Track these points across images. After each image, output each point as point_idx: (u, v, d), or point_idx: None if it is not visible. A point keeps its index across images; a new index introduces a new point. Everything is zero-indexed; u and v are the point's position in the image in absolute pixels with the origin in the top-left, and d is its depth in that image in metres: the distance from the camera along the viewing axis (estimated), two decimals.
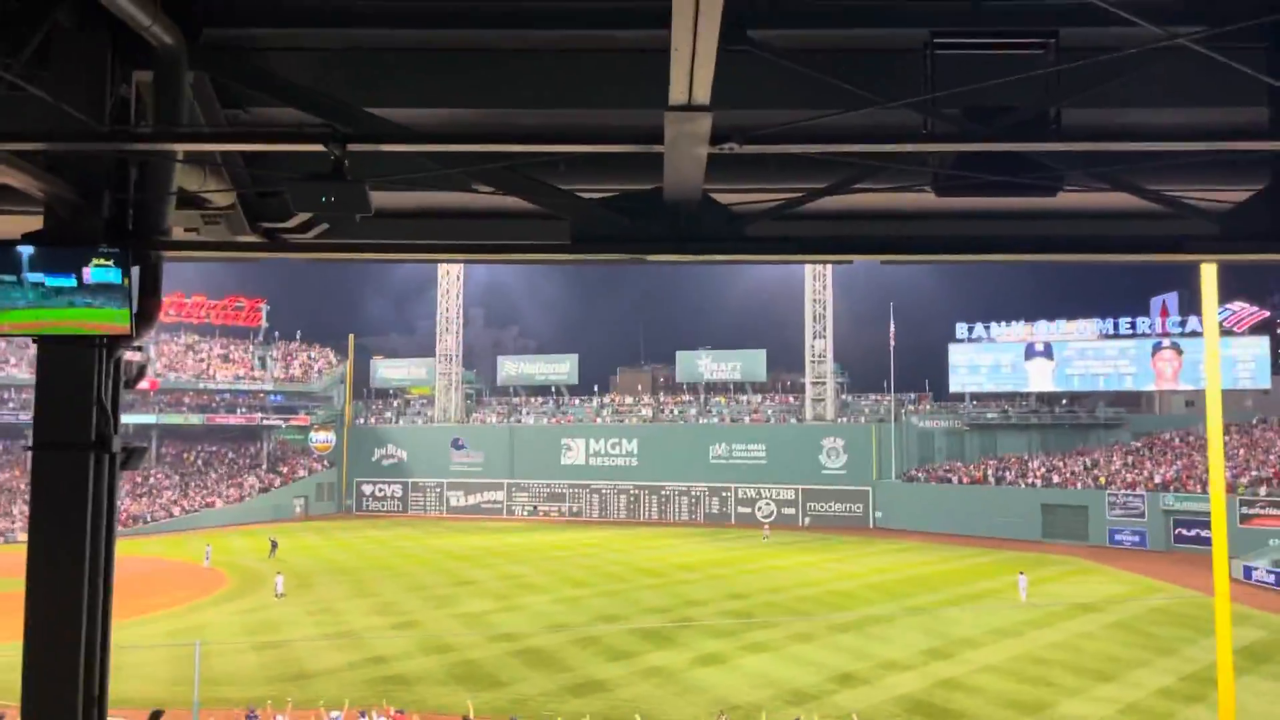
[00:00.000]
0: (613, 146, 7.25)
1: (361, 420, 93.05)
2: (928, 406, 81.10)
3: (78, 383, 7.10)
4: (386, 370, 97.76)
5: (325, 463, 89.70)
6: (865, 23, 7.34)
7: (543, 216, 8.72)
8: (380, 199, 8.38)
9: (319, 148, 6.44)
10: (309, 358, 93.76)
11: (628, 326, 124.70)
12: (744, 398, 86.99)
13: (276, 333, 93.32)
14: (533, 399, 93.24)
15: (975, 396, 76.84)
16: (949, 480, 73.17)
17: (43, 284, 6.85)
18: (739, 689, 28.30)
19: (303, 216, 8.72)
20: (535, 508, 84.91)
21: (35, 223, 7.42)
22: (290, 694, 26.47)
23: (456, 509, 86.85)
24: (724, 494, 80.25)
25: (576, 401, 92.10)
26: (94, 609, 6.93)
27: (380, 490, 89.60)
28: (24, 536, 64.79)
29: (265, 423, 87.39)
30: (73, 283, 6.83)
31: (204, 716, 23.42)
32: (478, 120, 8.09)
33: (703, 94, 5.66)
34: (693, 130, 6.11)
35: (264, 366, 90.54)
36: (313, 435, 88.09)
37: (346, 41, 7.94)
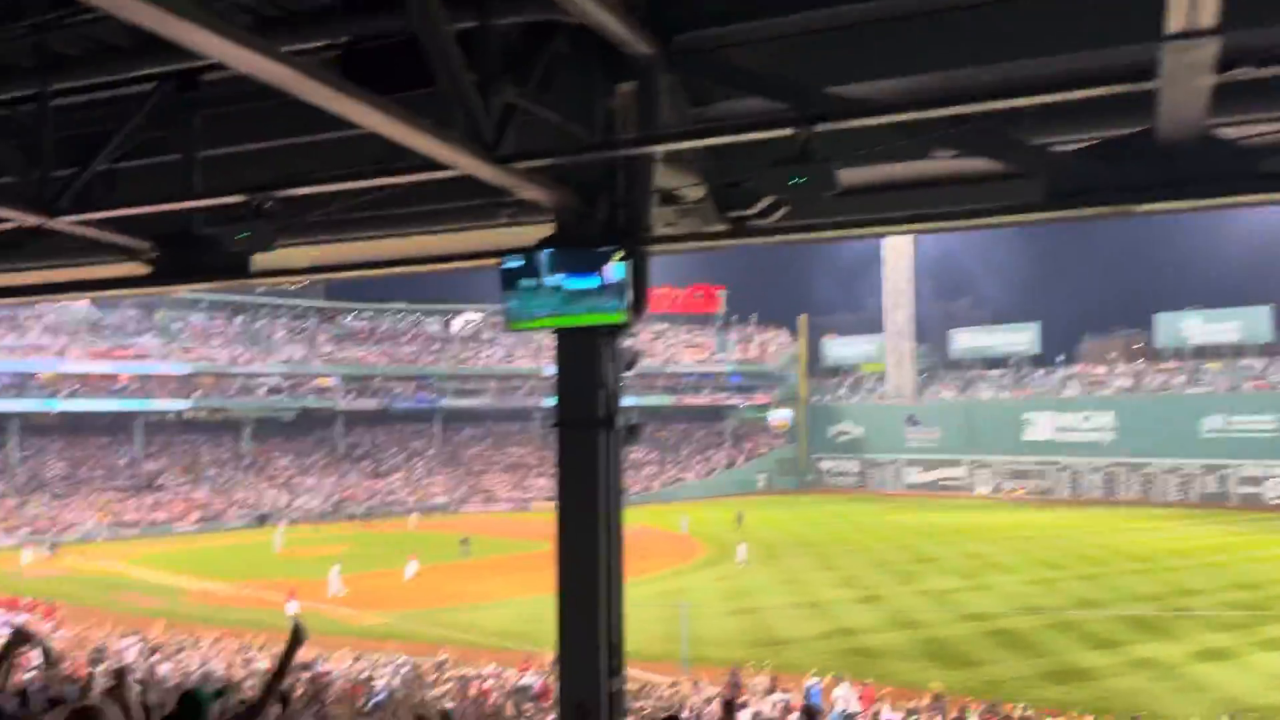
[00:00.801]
0: (1091, 91, 6.62)
1: (817, 398, 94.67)
2: None
3: (589, 368, 7.98)
4: (837, 348, 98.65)
5: (784, 439, 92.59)
6: None
7: (1008, 176, 8.25)
8: (840, 176, 8.43)
9: (786, 132, 6.62)
10: (764, 339, 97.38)
11: (1093, 290, 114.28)
12: (1244, 362, 75.82)
13: (734, 317, 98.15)
14: (990, 372, 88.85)
15: None
16: None
17: (560, 287, 7.80)
18: (1253, 689, 24.78)
19: (765, 202, 9.02)
20: (999, 485, 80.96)
21: (547, 231, 8.45)
22: (766, 658, 27.72)
23: (914, 485, 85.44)
24: (1222, 472, 70.65)
25: (1040, 373, 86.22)
26: (610, 567, 7.76)
27: (838, 466, 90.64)
28: (537, 506, 74.28)
29: (728, 402, 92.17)
30: (588, 282, 7.70)
31: (692, 670, 25.25)
32: (937, 84, 7.82)
33: (1209, 17, 4.97)
34: (1195, 59, 5.40)
35: (724, 349, 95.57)
36: (771, 413, 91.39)
37: (802, 26, 8.06)
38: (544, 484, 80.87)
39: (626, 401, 8.37)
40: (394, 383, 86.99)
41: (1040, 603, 35.90)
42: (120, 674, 5.72)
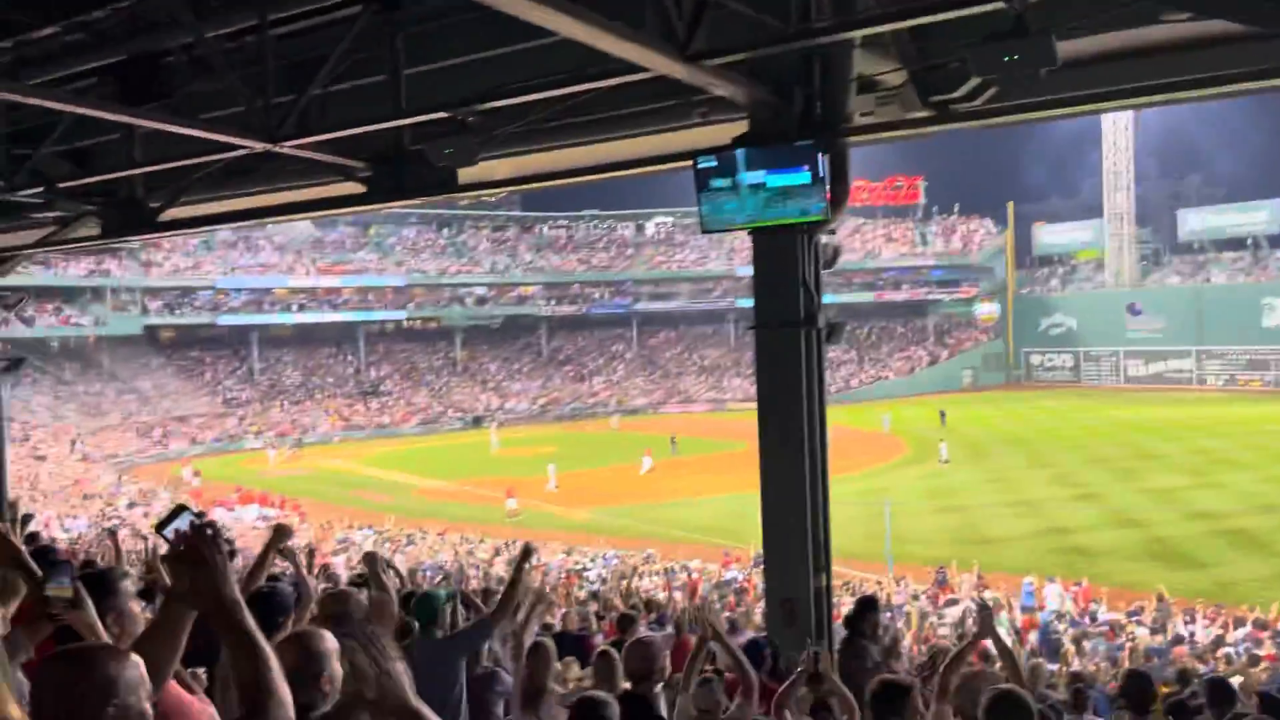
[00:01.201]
0: None
1: (1026, 289, 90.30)
2: None
3: (787, 268, 7.87)
4: (1048, 236, 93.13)
5: (991, 334, 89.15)
6: None
7: (1249, 38, 7.36)
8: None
9: (998, 4, 6.15)
10: (968, 230, 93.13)
11: None
12: None
13: (935, 208, 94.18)
14: (1223, 255, 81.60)
15: None
16: None
17: (755, 185, 7.66)
18: None
19: (971, 84, 8.46)
20: (1232, 377, 75.01)
21: (740, 128, 8.27)
22: (975, 556, 27.27)
23: (1135, 379, 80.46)
24: None
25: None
26: (814, 466, 7.75)
27: (1049, 360, 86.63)
28: (733, 406, 74.86)
29: (929, 297, 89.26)
30: (784, 180, 7.54)
31: (896, 568, 25.20)
32: None
33: None
34: None
35: (924, 243, 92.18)
36: (977, 307, 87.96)
37: None
38: (739, 385, 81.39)
39: (826, 300, 8.22)
40: (592, 288, 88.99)
41: (1279, 501, 33.39)
42: (371, 558, 6.23)
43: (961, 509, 34.71)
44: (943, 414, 58.76)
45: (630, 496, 39.41)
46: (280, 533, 5.77)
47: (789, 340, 7.84)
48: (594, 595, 16.57)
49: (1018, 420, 60.50)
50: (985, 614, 5.36)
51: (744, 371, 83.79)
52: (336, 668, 2.98)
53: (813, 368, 7.84)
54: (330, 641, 3.03)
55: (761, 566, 24.39)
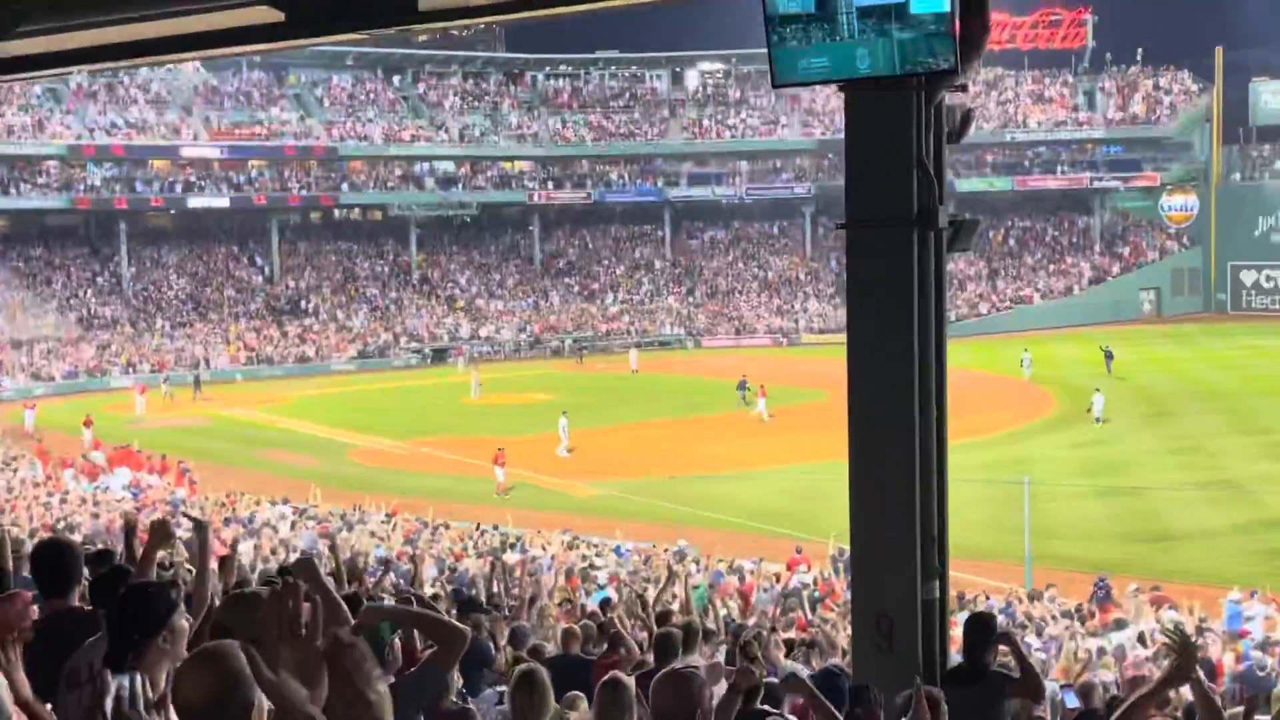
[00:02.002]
0: None
1: (1237, 176, 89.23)
2: None
3: (896, 140, 7.80)
4: (1273, 98, 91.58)
5: (1184, 240, 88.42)
6: None
7: None
8: None
9: None
10: (1155, 87, 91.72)
11: None
12: None
13: (1108, 55, 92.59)
14: None
15: None
16: None
17: (853, 15, 7.54)
18: None
19: None
20: None
21: None
22: (1150, 559, 27.32)
23: None
24: None
25: None
26: (926, 425, 7.76)
27: (1269, 279, 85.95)
28: (809, 339, 75.09)
29: (1096, 185, 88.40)
30: (896, 8, 7.41)
31: (1042, 575, 25.34)
32: None
33: None
34: None
35: (1091, 106, 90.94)
36: (1164, 201, 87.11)
37: None
38: (818, 310, 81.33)
39: (951, 187, 8.20)
40: (607, 166, 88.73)
41: None
42: (308, 567, 6.26)
43: (1133, 490, 34.83)
44: (1108, 353, 58.55)
45: (655, 466, 39.74)
46: (158, 535, 5.96)
47: (896, 245, 7.80)
48: (605, 604, 16.77)
49: (1217, 365, 60.32)
50: (1188, 652, 5.43)
51: (825, 290, 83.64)
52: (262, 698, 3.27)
53: (928, 285, 7.81)
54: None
55: (847, 568, 24.66)
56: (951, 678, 7.58)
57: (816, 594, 21.38)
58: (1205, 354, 65.35)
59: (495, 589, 15.44)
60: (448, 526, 30.16)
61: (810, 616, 17.39)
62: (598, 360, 71.84)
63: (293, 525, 28.22)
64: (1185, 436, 42.97)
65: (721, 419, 48.93)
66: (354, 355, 72.90)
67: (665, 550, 26.52)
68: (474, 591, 15.77)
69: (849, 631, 15.59)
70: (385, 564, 18.65)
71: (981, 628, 7.55)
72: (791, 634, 14.75)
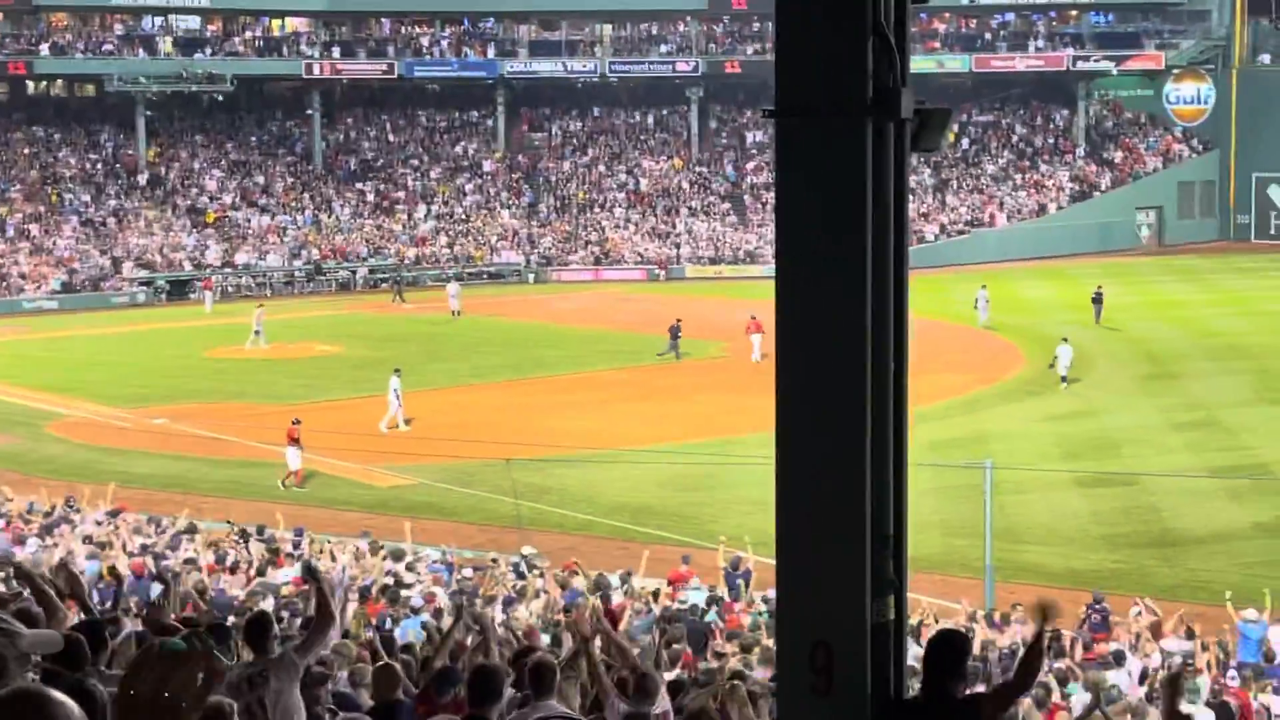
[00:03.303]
0: None
1: (1266, 58, 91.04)
2: None
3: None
4: None
5: (1196, 144, 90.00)
6: None
7: None
8: None
9: None
10: None
11: None
12: None
13: None
14: None
15: None
16: None
17: None
18: None
19: None
20: None
21: None
22: (1153, 569, 27.97)
23: None
24: None
25: None
26: (881, 384, 7.84)
27: None
28: (700, 271, 75.30)
29: (1081, 66, 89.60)
30: None
31: (1005, 593, 25.80)
32: None
33: None
34: None
35: None
36: (1170, 90, 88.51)
37: None
38: (708, 231, 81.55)
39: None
40: (415, 27, 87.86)
41: None
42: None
43: (1126, 479, 35.33)
44: (1098, 295, 59.24)
45: (486, 445, 39.57)
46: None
47: (844, 142, 7.81)
48: (431, 631, 16.81)
49: (1238, 310, 61.61)
50: (1172, 686, 5.64)
51: (717, 205, 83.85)
52: None
53: (885, 197, 7.78)
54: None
55: (744, 583, 24.74)
56: (903, 712, 7.74)
57: (714, 618, 21.59)
58: (1221, 295, 66.70)
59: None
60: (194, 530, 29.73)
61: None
62: (407, 297, 71.11)
63: None
64: (1195, 406, 43.80)
65: (576, 380, 48.98)
66: (56, 289, 71.35)
67: (496, 561, 26.54)
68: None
69: (760, 670, 15.82)
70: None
71: (949, 650, 7.69)
72: (676, 673, 14.89)
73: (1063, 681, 17.60)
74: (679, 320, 52.55)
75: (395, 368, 43.60)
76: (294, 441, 36.64)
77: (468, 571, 25.96)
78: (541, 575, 25.21)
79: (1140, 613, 22.94)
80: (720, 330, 55.51)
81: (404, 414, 42.11)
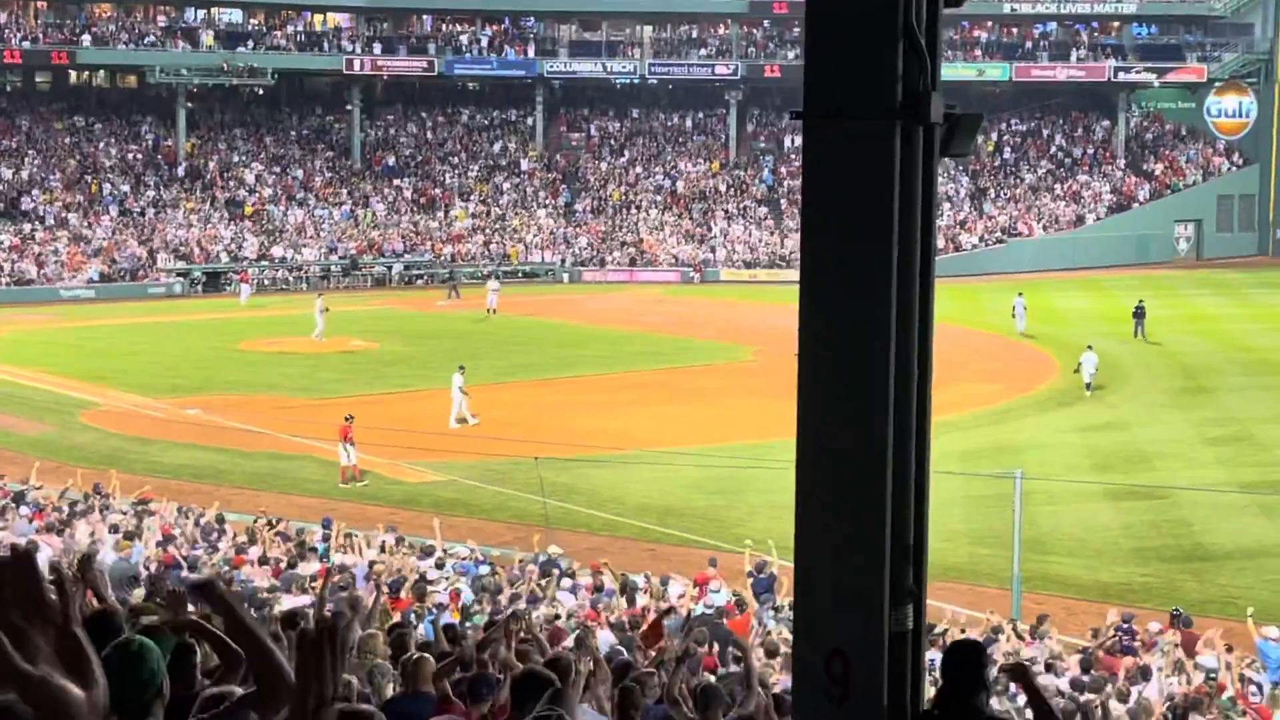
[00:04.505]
0: None
1: None
2: None
3: (872, 6, 7.77)
4: None
5: (1236, 157, 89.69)
6: None
7: None
8: None
9: None
10: None
11: None
12: None
13: None
14: None
15: None
16: None
17: None
18: None
19: None
20: None
21: None
22: (1182, 584, 27.81)
23: None
24: None
25: None
26: (905, 390, 7.77)
27: None
28: (733, 275, 75.05)
29: (1122, 78, 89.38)
30: None
31: (1033, 603, 25.72)
32: None
33: None
34: None
35: None
36: (1211, 103, 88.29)
37: None
38: (744, 235, 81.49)
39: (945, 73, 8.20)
40: (456, 25, 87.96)
41: None
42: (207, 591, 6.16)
43: (1158, 492, 35.26)
44: (1140, 309, 59.07)
45: (515, 444, 39.58)
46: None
47: (872, 145, 7.77)
48: (453, 633, 16.77)
49: (1273, 325, 61.42)
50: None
51: (754, 209, 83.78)
52: None
53: (913, 202, 7.75)
54: None
55: (768, 590, 24.70)
56: None
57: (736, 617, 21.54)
58: (1257, 310, 66.62)
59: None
60: (222, 521, 29.76)
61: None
62: (439, 295, 71.32)
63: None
64: (1228, 420, 43.75)
65: (607, 381, 48.97)
66: (93, 278, 71.61)
67: (524, 560, 26.50)
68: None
69: (780, 678, 15.78)
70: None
71: (967, 659, 7.63)
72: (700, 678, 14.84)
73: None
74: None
75: (459, 364, 43.72)
76: (347, 439, 36.64)
77: (484, 569, 25.94)
78: (571, 575, 25.19)
79: (1162, 628, 22.77)
80: (747, 334, 55.53)
81: (469, 408, 42.17)
